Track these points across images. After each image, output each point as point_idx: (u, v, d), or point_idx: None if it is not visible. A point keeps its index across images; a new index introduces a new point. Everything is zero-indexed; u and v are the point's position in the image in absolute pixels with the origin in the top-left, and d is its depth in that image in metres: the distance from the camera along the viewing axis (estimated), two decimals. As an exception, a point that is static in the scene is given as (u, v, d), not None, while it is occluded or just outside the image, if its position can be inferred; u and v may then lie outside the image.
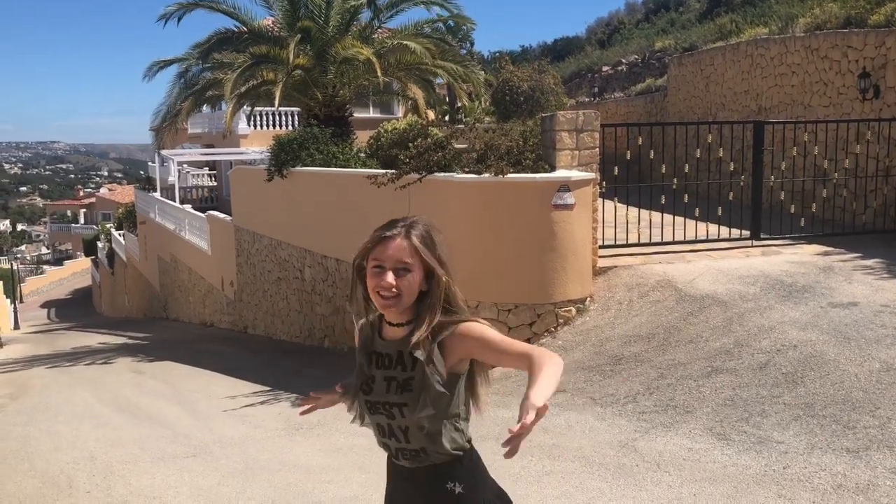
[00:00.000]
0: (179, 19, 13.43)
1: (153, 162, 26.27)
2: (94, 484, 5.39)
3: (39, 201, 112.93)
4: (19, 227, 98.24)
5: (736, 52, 13.45)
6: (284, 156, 11.80)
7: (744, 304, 6.82)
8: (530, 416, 1.77)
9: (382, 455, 2.28)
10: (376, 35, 14.18)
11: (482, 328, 2.10)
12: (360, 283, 2.19)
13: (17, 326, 30.15)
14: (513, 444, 1.80)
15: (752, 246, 8.69)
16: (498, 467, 4.95)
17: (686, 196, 8.81)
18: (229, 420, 7.28)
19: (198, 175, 26.60)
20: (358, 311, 2.24)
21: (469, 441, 2.21)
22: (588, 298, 7.64)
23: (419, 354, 2.08)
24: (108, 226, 36.08)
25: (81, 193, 74.22)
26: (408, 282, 2.08)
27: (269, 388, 8.49)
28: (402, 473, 2.21)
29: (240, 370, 9.99)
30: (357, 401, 2.20)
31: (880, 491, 4.03)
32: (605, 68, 23.50)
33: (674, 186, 8.80)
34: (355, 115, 14.86)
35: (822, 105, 10.88)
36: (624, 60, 22.75)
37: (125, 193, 49.52)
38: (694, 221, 8.72)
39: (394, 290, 2.07)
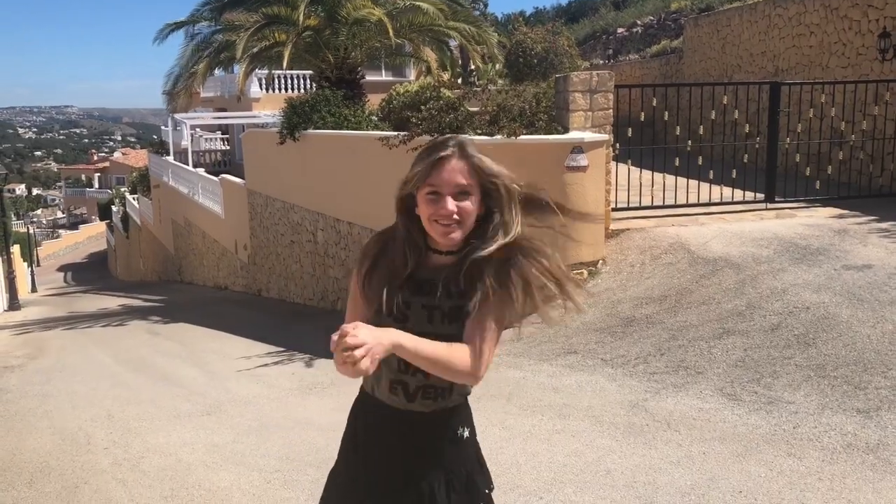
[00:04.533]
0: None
1: (166, 126, 26.27)
2: (112, 441, 5.50)
3: (54, 166, 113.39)
4: (34, 191, 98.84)
5: (753, 12, 13.20)
6: (297, 118, 11.76)
7: (757, 267, 6.79)
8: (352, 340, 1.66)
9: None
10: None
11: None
12: (405, 216, 1.96)
13: (34, 289, 30.51)
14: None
15: (766, 209, 8.63)
16: (509, 426, 5.01)
17: (700, 158, 8.73)
18: (244, 380, 7.37)
19: (211, 139, 26.62)
20: (404, 249, 1.96)
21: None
22: (600, 261, 7.63)
23: (488, 273, 1.89)
24: (122, 190, 36.27)
25: (95, 158, 74.44)
26: (468, 206, 1.89)
27: (282, 350, 8.57)
28: (403, 418, 2.01)
29: (254, 332, 10.09)
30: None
31: (890, 450, 4.05)
32: (619, 30, 23.17)
33: (688, 149, 8.72)
34: (367, 78, 14.75)
35: (841, 66, 10.70)
36: (639, 22, 22.41)
37: (139, 157, 49.72)
38: (708, 184, 8.66)
39: (455, 216, 1.88)
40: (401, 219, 1.97)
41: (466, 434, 2.06)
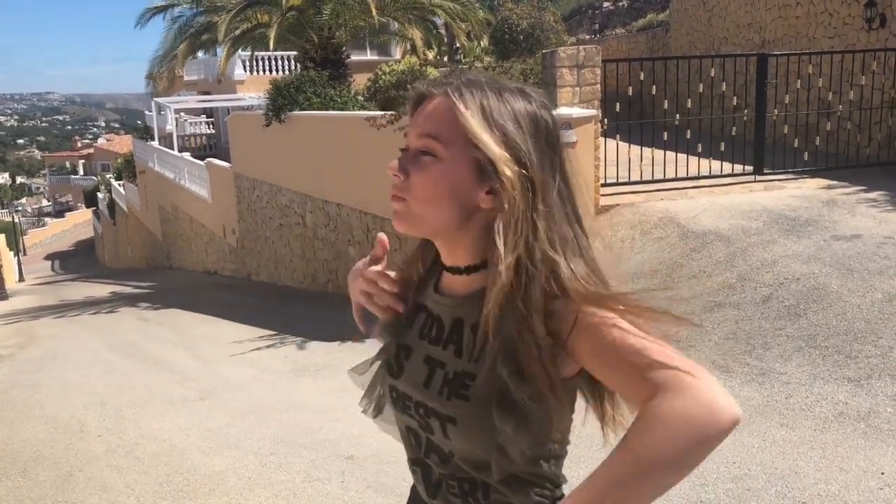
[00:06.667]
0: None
1: (150, 111, 26.01)
2: (106, 428, 5.48)
3: (37, 153, 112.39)
4: (18, 179, 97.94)
5: (739, -17, 13.13)
6: (282, 100, 11.67)
7: (747, 239, 6.80)
8: None
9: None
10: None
11: (610, 316, 1.06)
12: None
13: (21, 279, 30.30)
14: None
15: (755, 181, 8.63)
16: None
17: (688, 132, 8.71)
18: (236, 364, 7.36)
19: (195, 123, 26.37)
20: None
21: (560, 486, 1.22)
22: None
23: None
24: (107, 176, 35.97)
25: (79, 144, 73.82)
26: (425, 174, 1.12)
27: (274, 333, 8.56)
28: None
29: (245, 316, 10.06)
30: (377, 378, 1.31)
31: (881, 417, 4.08)
32: (605, 4, 23.02)
33: (676, 123, 8.70)
34: (353, 57, 14.64)
35: (827, 36, 10.67)
36: (625, -4, 22.26)
37: (123, 143, 49.27)
38: (696, 158, 8.65)
39: (398, 184, 1.15)
40: None
41: None
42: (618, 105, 8.43)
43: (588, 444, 4.27)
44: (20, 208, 68.86)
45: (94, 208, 39.46)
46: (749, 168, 8.75)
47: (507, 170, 1.09)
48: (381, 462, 4.30)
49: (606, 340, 1.04)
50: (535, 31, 15.02)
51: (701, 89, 8.73)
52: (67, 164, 68.65)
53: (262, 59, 21.59)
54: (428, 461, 1.23)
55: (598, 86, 7.78)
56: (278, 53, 21.27)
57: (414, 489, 1.33)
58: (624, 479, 0.97)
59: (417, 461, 1.26)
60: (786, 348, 5.05)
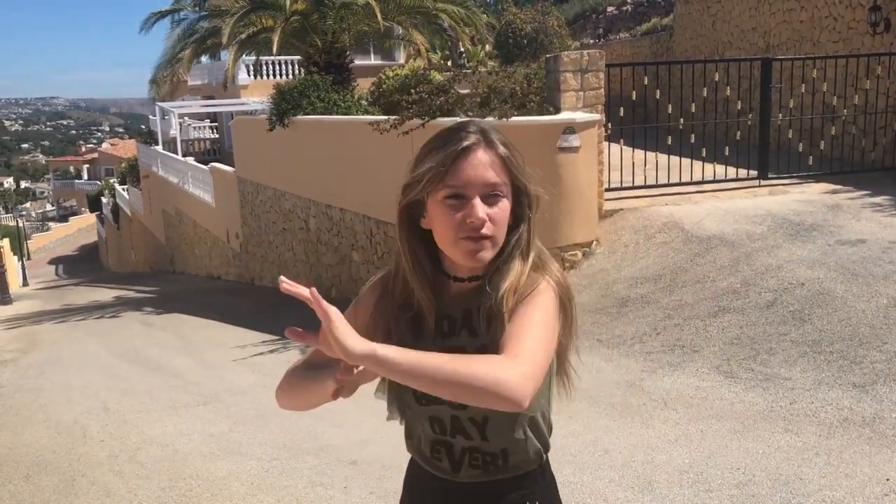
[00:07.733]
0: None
1: (154, 115, 26.06)
2: (108, 433, 5.48)
3: (42, 158, 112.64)
4: (23, 184, 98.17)
5: (743, -12, 13.11)
6: (285, 105, 11.67)
7: (751, 244, 6.78)
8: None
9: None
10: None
11: (542, 298, 1.43)
12: (412, 236, 1.49)
13: (25, 283, 30.33)
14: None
15: (759, 185, 8.61)
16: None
17: (692, 137, 8.69)
18: (239, 369, 7.35)
19: (199, 127, 26.43)
20: (415, 282, 1.50)
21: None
22: (594, 242, 7.61)
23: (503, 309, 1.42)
24: (111, 181, 36.05)
25: (83, 149, 73.94)
26: (501, 213, 1.44)
27: (277, 338, 8.54)
28: (452, 493, 1.53)
29: (248, 321, 10.05)
30: (394, 389, 1.54)
31: (886, 423, 4.06)
32: (609, 9, 23.01)
33: (680, 127, 8.68)
34: (356, 62, 14.65)
35: (832, 41, 10.65)
36: (629, 0, 22.27)
37: (127, 148, 49.36)
38: (701, 162, 8.63)
39: (486, 229, 1.42)
40: (403, 235, 1.49)
41: None
42: (621, 109, 8.42)
43: (591, 451, 4.25)
44: (24, 213, 69.01)
45: (98, 213, 39.55)
46: (753, 172, 8.73)
47: (538, 197, 1.51)
48: (385, 468, 4.29)
49: (529, 308, 1.40)
50: (538, 35, 15.04)
51: (705, 93, 8.72)
52: (72, 169, 68.77)
53: (266, 63, 21.60)
54: (455, 439, 1.50)
55: (602, 90, 7.78)
56: (282, 58, 21.27)
57: (411, 479, 1.63)
58: (426, 363, 1.25)
59: (441, 442, 1.52)
60: (790, 353, 5.03)
